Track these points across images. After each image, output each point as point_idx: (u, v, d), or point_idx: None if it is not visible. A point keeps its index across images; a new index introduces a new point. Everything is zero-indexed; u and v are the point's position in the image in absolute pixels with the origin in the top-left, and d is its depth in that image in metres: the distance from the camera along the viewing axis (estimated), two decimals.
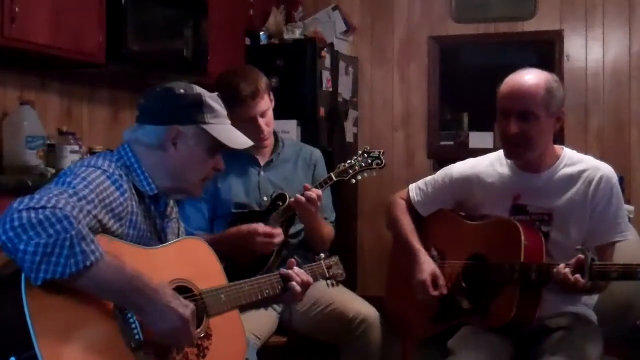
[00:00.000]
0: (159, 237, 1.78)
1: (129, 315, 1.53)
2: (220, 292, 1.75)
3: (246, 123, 2.42)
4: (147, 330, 1.54)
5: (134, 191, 1.68)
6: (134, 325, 1.53)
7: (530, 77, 2.10)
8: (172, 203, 1.89)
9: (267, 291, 1.89)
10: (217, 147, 1.75)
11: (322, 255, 2.15)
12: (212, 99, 1.76)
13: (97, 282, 1.45)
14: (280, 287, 1.92)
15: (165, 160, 1.72)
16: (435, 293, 2.20)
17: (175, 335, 1.56)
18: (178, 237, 1.89)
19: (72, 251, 1.39)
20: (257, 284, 1.87)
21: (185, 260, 1.74)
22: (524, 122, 2.07)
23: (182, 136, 1.71)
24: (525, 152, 2.14)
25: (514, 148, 2.14)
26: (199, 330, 1.66)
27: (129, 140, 1.75)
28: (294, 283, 1.92)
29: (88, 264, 1.41)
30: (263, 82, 2.47)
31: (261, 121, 2.46)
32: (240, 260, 2.26)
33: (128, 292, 1.50)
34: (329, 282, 2.15)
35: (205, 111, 1.73)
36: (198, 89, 1.76)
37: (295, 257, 2.12)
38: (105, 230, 1.56)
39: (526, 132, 2.08)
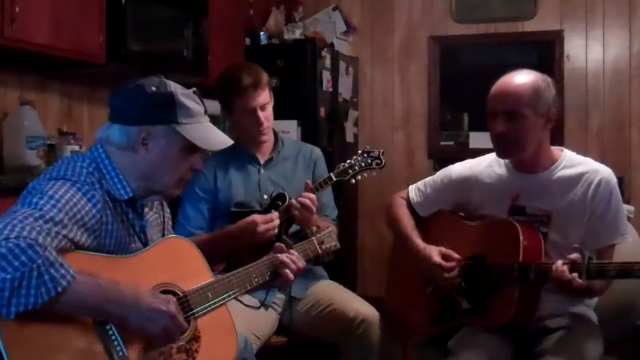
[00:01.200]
0: (139, 238, 1.74)
1: (110, 332, 1.51)
2: (205, 289, 1.72)
3: (246, 115, 2.45)
4: (129, 343, 1.52)
5: (107, 198, 1.63)
6: (115, 342, 1.51)
7: (518, 78, 2.11)
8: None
9: (257, 279, 1.85)
10: (190, 147, 1.68)
11: (314, 228, 2.14)
12: (187, 97, 1.68)
13: (74, 302, 1.43)
14: (269, 272, 1.89)
15: (137, 161, 1.66)
16: (453, 263, 2.18)
17: (166, 333, 1.55)
18: (163, 227, 1.86)
19: (40, 280, 1.36)
20: (244, 273, 1.83)
21: (167, 263, 1.70)
22: (511, 121, 2.08)
23: (152, 136, 1.65)
24: (514, 151, 2.14)
25: (503, 147, 2.15)
26: (185, 335, 1.64)
27: (100, 139, 1.70)
28: (287, 270, 1.89)
29: (60, 289, 1.38)
30: (264, 76, 2.51)
31: (261, 114, 2.47)
32: (242, 254, 2.26)
33: (107, 306, 1.47)
34: (322, 257, 2.12)
35: (178, 110, 1.65)
36: (172, 86, 1.68)
37: (285, 238, 2.11)
38: (79, 246, 1.52)
39: (513, 132, 2.09)
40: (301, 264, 1.96)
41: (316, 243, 2.11)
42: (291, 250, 1.96)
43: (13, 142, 3.07)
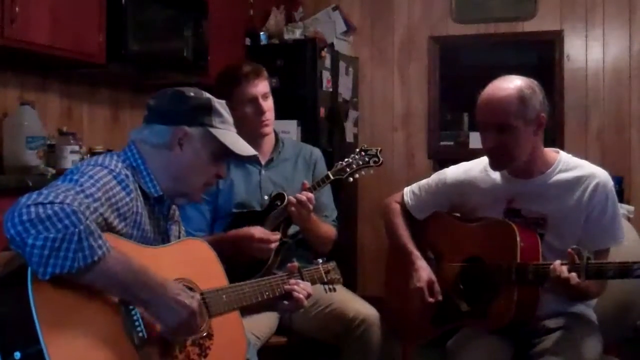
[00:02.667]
0: (162, 238, 1.79)
1: (133, 312, 1.53)
2: (221, 292, 1.76)
3: (247, 104, 2.47)
4: (150, 327, 1.55)
5: (139, 192, 1.69)
6: (137, 322, 1.53)
7: (502, 89, 2.07)
8: (174, 205, 1.89)
9: (267, 293, 1.89)
10: (222, 151, 1.77)
11: (320, 260, 2.16)
12: (221, 105, 1.78)
13: (104, 276, 1.46)
14: (279, 289, 1.93)
15: (170, 160, 1.73)
16: (431, 300, 2.21)
17: (182, 328, 1.56)
18: (179, 233, 1.89)
19: (79, 245, 1.40)
20: (257, 286, 1.88)
21: (187, 260, 1.75)
22: (501, 134, 2.06)
23: (188, 137, 1.73)
24: (508, 163, 2.13)
25: (496, 161, 2.15)
26: (202, 328, 1.67)
27: (135, 140, 1.76)
28: (300, 295, 1.94)
29: (95, 258, 1.42)
30: (264, 70, 2.54)
31: (263, 102, 2.48)
32: (239, 261, 2.26)
33: (134, 287, 1.50)
34: (326, 287, 2.16)
35: (213, 115, 1.75)
36: (207, 94, 1.78)
37: (295, 260, 2.13)
38: (110, 228, 1.56)
39: (504, 145, 2.07)
40: (311, 292, 2.00)
41: (322, 272, 2.14)
42: (299, 282, 1.99)
43: (13, 142, 3.07)
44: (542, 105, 2.09)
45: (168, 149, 1.73)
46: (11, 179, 2.76)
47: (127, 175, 1.66)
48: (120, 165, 1.68)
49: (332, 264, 2.18)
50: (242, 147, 1.81)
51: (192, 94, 1.75)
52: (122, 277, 1.48)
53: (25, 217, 1.38)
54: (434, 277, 2.24)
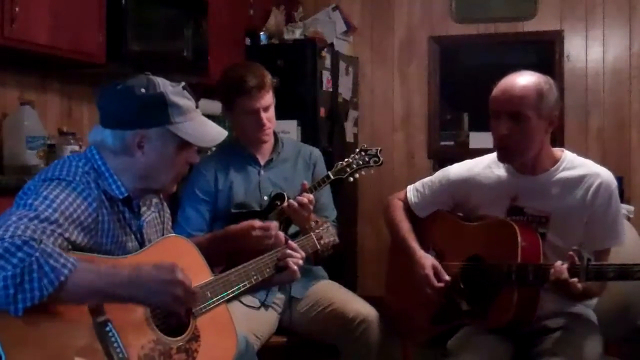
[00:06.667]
0: (136, 237, 1.74)
1: (110, 333, 1.50)
2: (204, 288, 1.72)
3: (248, 115, 2.45)
4: (129, 344, 1.52)
5: (103, 197, 1.64)
6: (115, 343, 1.50)
7: (522, 79, 2.10)
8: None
9: (255, 277, 1.86)
10: (186, 143, 1.68)
11: (312, 223, 2.13)
12: (177, 94, 1.66)
13: (79, 290, 1.42)
14: (268, 269, 1.90)
15: (133, 163, 1.66)
16: (440, 284, 2.20)
17: (178, 299, 1.52)
18: (163, 226, 1.85)
19: (42, 272, 1.36)
20: (243, 271, 1.83)
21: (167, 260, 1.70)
22: (514, 123, 2.07)
23: (147, 139, 1.64)
24: (516, 155, 2.13)
25: (504, 151, 2.14)
26: (184, 335, 1.64)
27: (94, 143, 1.69)
28: (290, 261, 1.91)
29: (62, 278, 1.38)
30: (268, 77, 2.50)
31: (263, 115, 2.47)
32: (239, 257, 2.25)
33: (113, 288, 1.47)
34: (324, 253, 2.13)
35: (170, 110, 1.64)
36: (161, 85, 1.65)
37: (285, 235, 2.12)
38: (75, 246, 1.52)
39: (516, 134, 2.07)
40: (302, 252, 1.97)
41: (315, 238, 2.11)
42: (289, 242, 1.97)
43: (13, 142, 3.07)
44: (556, 104, 2.11)
45: (128, 154, 1.65)
46: (11, 179, 2.76)
47: (87, 182, 1.60)
48: (80, 171, 1.62)
49: (323, 227, 2.14)
50: (208, 135, 1.71)
51: (142, 90, 1.63)
52: (96, 284, 1.45)
53: None
54: (437, 263, 2.23)
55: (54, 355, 1.42)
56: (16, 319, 1.37)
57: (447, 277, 2.19)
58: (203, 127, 1.72)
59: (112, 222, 1.65)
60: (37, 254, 1.37)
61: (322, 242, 2.11)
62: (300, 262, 1.96)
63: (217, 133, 1.75)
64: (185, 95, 1.69)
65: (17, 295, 1.35)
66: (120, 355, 1.50)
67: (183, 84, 1.71)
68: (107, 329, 1.50)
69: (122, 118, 1.64)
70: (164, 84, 1.67)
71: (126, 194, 1.68)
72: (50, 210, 1.48)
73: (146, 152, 1.65)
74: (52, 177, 1.58)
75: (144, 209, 1.80)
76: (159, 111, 1.64)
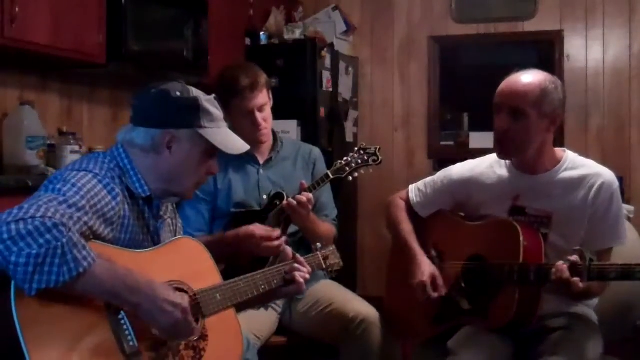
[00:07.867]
0: (152, 238, 1.76)
1: (122, 322, 1.52)
2: (214, 291, 1.74)
3: (244, 116, 2.45)
4: (140, 335, 1.53)
5: (126, 193, 1.67)
6: (127, 332, 1.52)
7: (527, 76, 2.10)
8: (167, 203, 1.87)
9: (263, 287, 1.88)
10: (212, 150, 1.74)
11: (319, 245, 2.15)
12: (209, 102, 1.73)
13: (92, 285, 1.44)
14: (276, 281, 1.92)
15: (160, 163, 1.71)
16: (435, 294, 2.21)
17: (175, 327, 1.55)
18: (175, 235, 1.87)
19: (64, 259, 1.38)
20: (252, 280, 1.85)
21: (178, 261, 1.73)
22: (514, 118, 2.07)
23: (177, 140, 1.70)
24: (514, 151, 2.13)
25: (504, 146, 2.14)
26: (196, 327, 1.65)
27: (123, 141, 1.73)
28: (298, 275, 1.93)
29: (81, 270, 1.40)
30: (262, 77, 2.50)
31: (258, 115, 2.47)
32: (239, 261, 2.26)
33: (123, 292, 1.49)
34: (326, 272, 2.15)
35: (202, 115, 1.70)
36: (194, 92, 1.73)
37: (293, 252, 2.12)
38: (96, 236, 1.55)
39: (514, 130, 2.08)
40: (309, 267, 2.00)
41: (321, 258, 2.13)
42: (296, 257, 1.99)
43: (13, 142, 3.07)
44: (560, 104, 2.11)
45: (157, 152, 1.70)
46: (11, 179, 2.76)
47: (112, 178, 1.64)
48: (105, 167, 1.65)
49: (330, 249, 2.16)
50: (234, 145, 1.78)
51: (178, 93, 1.70)
52: (109, 284, 1.47)
53: (6, 236, 1.36)
54: (437, 272, 2.24)
55: (66, 336, 1.44)
56: (34, 299, 1.38)
57: (443, 290, 2.21)
58: (229, 137, 1.79)
59: (132, 219, 1.68)
60: (65, 240, 1.39)
61: (327, 262, 2.14)
62: (307, 276, 1.98)
63: (242, 145, 1.81)
64: (216, 105, 1.76)
65: (34, 275, 1.36)
66: (131, 343, 1.52)
67: (214, 95, 1.78)
68: (120, 316, 1.52)
69: (155, 117, 1.70)
70: (197, 92, 1.74)
71: (149, 193, 1.71)
72: (77, 197, 1.51)
73: (173, 153, 1.70)
74: (79, 169, 1.62)
75: (163, 209, 1.83)
76: (191, 114, 1.70)
